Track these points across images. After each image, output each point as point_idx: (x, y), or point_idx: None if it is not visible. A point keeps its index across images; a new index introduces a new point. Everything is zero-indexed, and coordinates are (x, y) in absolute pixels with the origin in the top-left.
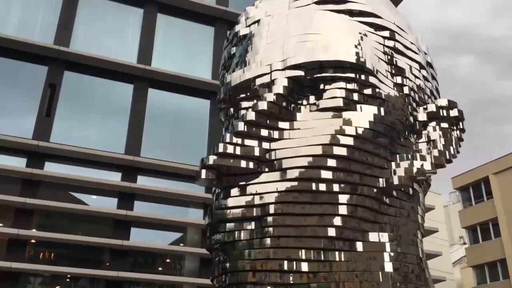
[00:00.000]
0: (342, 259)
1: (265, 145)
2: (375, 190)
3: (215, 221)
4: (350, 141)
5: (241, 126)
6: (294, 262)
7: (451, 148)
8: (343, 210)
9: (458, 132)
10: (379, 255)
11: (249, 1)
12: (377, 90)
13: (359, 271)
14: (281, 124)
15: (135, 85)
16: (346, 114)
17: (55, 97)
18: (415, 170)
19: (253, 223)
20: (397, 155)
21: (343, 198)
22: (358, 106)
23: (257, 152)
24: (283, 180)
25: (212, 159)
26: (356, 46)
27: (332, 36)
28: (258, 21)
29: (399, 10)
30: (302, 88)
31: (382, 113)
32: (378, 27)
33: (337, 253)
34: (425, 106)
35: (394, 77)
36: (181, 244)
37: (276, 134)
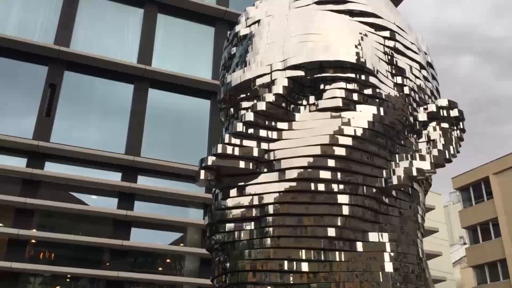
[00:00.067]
0: (342, 259)
1: (264, 145)
2: (374, 190)
3: (214, 221)
4: (349, 141)
5: (239, 127)
6: (294, 262)
7: (451, 147)
8: (342, 210)
9: (458, 132)
10: (379, 255)
11: (249, 1)
12: (377, 90)
13: (359, 271)
14: (280, 125)
15: (135, 85)
16: (345, 114)
17: (56, 97)
18: (414, 170)
19: (252, 223)
20: (397, 155)
21: (342, 198)
22: (357, 106)
23: (255, 153)
24: (282, 181)
25: (211, 160)
26: (356, 46)
27: (332, 36)
28: (258, 21)
29: (399, 10)
30: (303, 88)
31: (382, 113)
32: (379, 27)
33: (337, 253)
34: (425, 106)
35: (395, 77)
36: (181, 244)
37: (274, 135)
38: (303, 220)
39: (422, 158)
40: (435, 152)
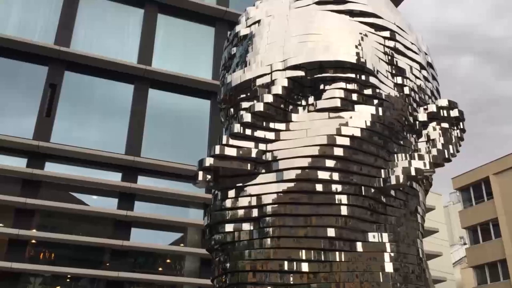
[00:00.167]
0: (343, 260)
1: (262, 146)
2: (372, 190)
3: (213, 222)
4: (346, 141)
5: (237, 128)
6: (295, 263)
7: (450, 147)
8: (341, 210)
9: (458, 131)
10: (379, 256)
11: (249, 2)
12: (377, 90)
13: (359, 272)
14: (278, 125)
15: (136, 85)
16: (343, 115)
17: (56, 97)
18: (413, 169)
19: (252, 223)
20: (395, 155)
21: (341, 199)
22: (356, 106)
23: (253, 154)
24: (280, 181)
25: (208, 161)
26: (356, 47)
27: (332, 36)
28: (258, 22)
29: (399, 10)
30: (303, 88)
31: (380, 113)
32: (379, 28)
33: (337, 253)
34: (425, 107)
35: (395, 78)
36: (182, 245)
37: (272, 135)
38: (303, 221)
39: (421, 157)
40: (434, 151)
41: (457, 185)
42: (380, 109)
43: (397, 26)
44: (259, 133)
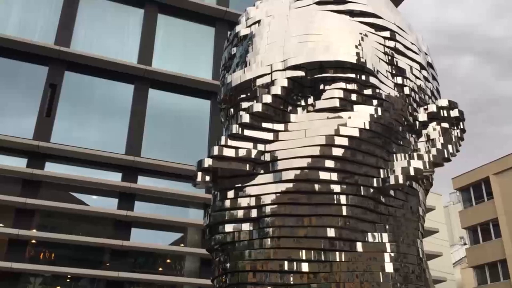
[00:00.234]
0: (343, 260)
1: (260, 147)
2: (372, 190)
3: (212, 223)
4: (345, 141)
5: (235, 129)
6: (295, 263)
7: (450, 146)
8: (340, 210)
9: (458, 131)
10: (379, 256)
11: (249, 2)
12: (377, 90)
13: (359, 272)
14: (276, 126)
15: (136, 85)
16: (342, 115)
17: (56, 97)
18: (412, 169)
19: (251, 224)
20: (394, 155)
21: (340, 199)
22: (355, 106)
23: (252, 154)
24: (279, 182)
25: (207, 162)
26: (356, 47)
27: (333, 36)
28: (258, 22)
29: (399, 10)
30: (303, 88)
31: (379, 114)
32: (379, 28)
33: (337, 253)
34: (425, 107)
35: (395, 78)
36: (182, 245)
37: (271, 136)
38: (302, 221)
39: (420, 157)
40: (433, 151)
41: (457, 185)
42: (379, 109)
43: (397, 26)
44: (258, 134)
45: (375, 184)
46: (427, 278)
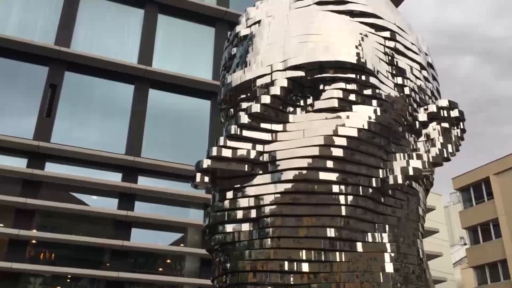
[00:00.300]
0: (343, 260)
1: (259, 147)
2: (371, 190)
3: (212, 223)
4: (343, 142)
5: (234, 129)
6: (295, 263)
7: (449, 146)
8: (340, 210)
9: (458, 131)
10: (379, 256)
11: (250, 2)
12: (377, 90)
13: (359, 272)
14: (275, 126)
15: (136, 85)
16: (340, 115)
17: (56, 98)
18: (411, 169)
19: (251, 224)
20: (394, 155)
21: (340, 199)
22: (354, 107)
23: (250, 155)
24: (278, 182)
25: (206, 163)
26: (357, 47)
27: (333, 36)
28: (258, 22)
29: (399, 10)
30: (303, 88)
31: (378, 114)
32: (379, 28)
33: (337, 253)
34: (425, 107)
35: (395, 78)
36: (182, 245)
37: (269, 136)
38: (302, 221)
39: (419, 157)
40: (433, 151)
41: (457, 185)
42: (378, 109)
43: (397, 26)
44: (256, 134)
45: (374, 184)
46: (428, 278)
